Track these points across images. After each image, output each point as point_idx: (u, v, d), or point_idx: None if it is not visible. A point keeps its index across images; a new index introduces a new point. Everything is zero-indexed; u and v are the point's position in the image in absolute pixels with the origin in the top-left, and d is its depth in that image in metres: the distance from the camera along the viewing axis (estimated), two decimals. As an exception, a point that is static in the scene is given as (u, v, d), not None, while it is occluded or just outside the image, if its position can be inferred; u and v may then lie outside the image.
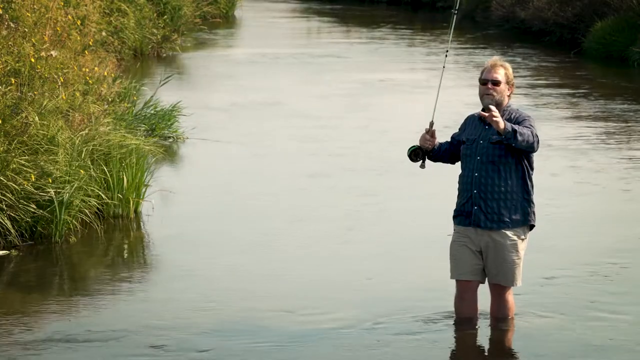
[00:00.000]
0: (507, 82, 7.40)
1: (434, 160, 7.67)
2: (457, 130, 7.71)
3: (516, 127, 7.14)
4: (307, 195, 11.88)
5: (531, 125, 7.27)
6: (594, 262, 9.37)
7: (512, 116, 7.37)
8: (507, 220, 7.37)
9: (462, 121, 7.70)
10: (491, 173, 7.34)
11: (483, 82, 7.41)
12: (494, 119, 7.09)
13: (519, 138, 7.13)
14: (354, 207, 11.32)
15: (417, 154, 7.55)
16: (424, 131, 7.57)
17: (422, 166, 7.60)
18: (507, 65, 7.46)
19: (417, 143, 7.59)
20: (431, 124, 7.58)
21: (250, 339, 7.50)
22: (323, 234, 10.39)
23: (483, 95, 7.41)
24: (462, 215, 7.49)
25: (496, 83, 7.36)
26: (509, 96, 7.45)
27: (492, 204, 7.36)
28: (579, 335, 7.65)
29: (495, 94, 7.36)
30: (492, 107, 7.13)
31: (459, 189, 7.55)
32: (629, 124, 16.44)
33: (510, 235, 7.40)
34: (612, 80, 21.96)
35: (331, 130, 15.71)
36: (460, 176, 7.52)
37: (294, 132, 15.57)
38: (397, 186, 12.25)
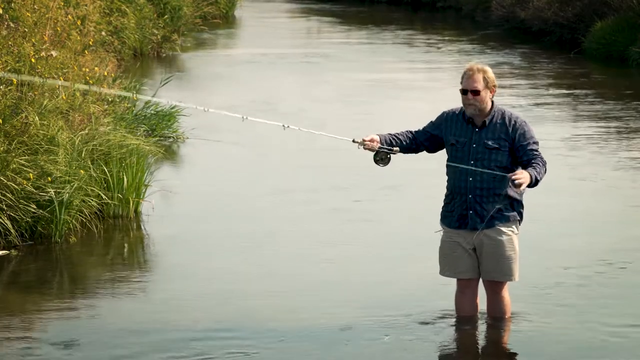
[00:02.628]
0: (488, 87, 7.32)
1: (404, 152, 7.54)
2: (430, 124, 7.59)
3: (537, 173, 7.14)
4: (306, 196, 11.87)
5: (535, 144, 7.29)
6: (592, 263, 9.36)
7: (507, 121, 7.33)
8: (501, 216, 7.37)
9: (437, 116, 7.59)
10: (486, 177, 7.31)
11: (463, 92, 7.36)
12: (523, 188, 7.11)
13: (540, 182, 7.23)
14: (353, 209, 11.33)
15: (381, 158, 7.49)
16: (362, 149, 7.48)
17: (395, 153, 7.47)
18: (487, 68, 7.36)
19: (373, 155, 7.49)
20: (354, 141, 7.45)
21: (249, 340, 7.50)
22: (322, 234, 10.39)
23: (466, 105, 7.40)
24: (453, 217, 7.46)
25: (476, 93, 7.32)
26: (492, 99, 7.41)
27: (488, 207, 7.34)
28: (578, 336, 7.65)
29: (477, 103, 7.33)
30: (514, 178, 7.06)
31: (448, 189, 7.51)
32: (629, 124, 16.43)
33: (504, 230, 7.40)
34: (612, 80, 21.96)
35: (331, 130, 15.67)
36: (452, 179, 7.47)
37: (294, 133, 15.54)
38: (396, 187, 12.25)
